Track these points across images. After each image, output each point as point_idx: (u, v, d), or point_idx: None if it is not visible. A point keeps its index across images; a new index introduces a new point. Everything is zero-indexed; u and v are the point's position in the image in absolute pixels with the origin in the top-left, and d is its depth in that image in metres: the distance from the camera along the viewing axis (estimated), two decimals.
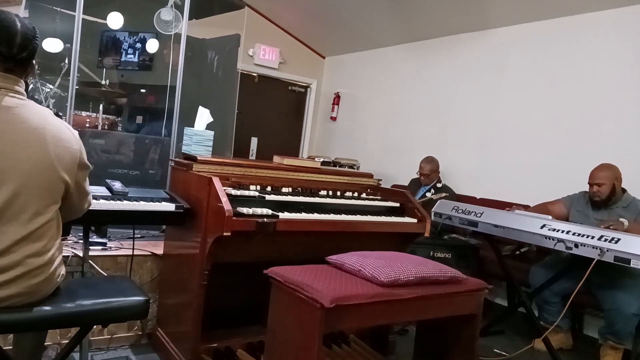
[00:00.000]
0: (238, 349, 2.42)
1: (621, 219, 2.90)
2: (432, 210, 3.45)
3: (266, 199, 2.34)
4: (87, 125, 4.05)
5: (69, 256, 2.49)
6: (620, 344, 2.98)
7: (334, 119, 6.61)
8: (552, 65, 4.19)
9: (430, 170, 4.47)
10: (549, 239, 2.77)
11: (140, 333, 2.69)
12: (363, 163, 5.50)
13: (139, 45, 4.75)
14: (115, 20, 4.17)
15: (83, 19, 3.27)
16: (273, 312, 1.95)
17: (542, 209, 3.34)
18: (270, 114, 6.65)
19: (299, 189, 2.62)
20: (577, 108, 3.98)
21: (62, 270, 1.60)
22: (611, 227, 2.79)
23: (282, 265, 1.99)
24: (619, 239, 2.51)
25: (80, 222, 1.88)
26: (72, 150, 1.53)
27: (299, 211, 2.38)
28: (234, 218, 2.07)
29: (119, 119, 4.46)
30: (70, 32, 3.27)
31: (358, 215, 2.56)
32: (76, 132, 1.59)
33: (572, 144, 3.97)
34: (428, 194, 4.36)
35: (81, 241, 2.36)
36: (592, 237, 2.59)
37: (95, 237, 2.66)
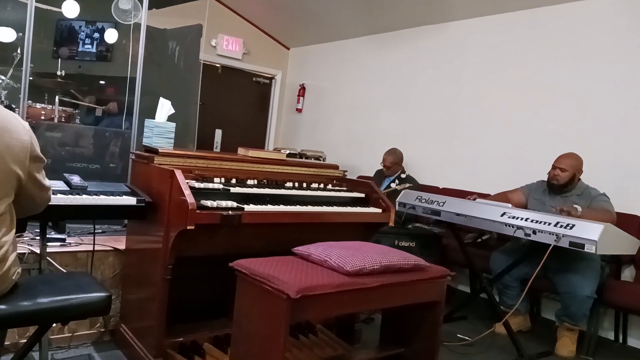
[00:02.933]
0: (204, 343, 2.40)
1: (575, 205, 3.01)
2: (397, 200, 3.50)
3: (231, 191, 2.32)
4: (43, 117, 3.90)
5: (25, 253, 2.41)
6: (576, 325, 3.11)
7: (299, 110, 6.60)
8: (511, 57, 4.30)
9: (392, 162, 4.52)
10: (509, 226, 2.86)
11: (102, 330, 2.63)
12: (329, 155, 5.53)
13: (96, 35, 4.60)
14: (70, 9, 4.01)
15: (36, 7, 3.15)
16: (239, 304, 1.94)
17: (502, 197, 3.44)
18: (234, 105, 6.58)
19: (265, 181, 2.61)
20: (536, 99, 4.11)
21: (18, 268, 1.55)
22: (565, 210, 2.90)
23: (248, 257, 1.98)
24: (573, 225, 2.61)
25: (37, 217, 1.81)
26: (22, 141, 1.47)
27: (265, 203, 2.37)
28: (198, 211, 2.04)
29: (76, 111, 4.32)
30: (23, 21, 3.15)
31: (324, 206, 2.57)
32: (26, 124, 1.52)
33: (531, 135, 4.10)
34: (392, 185, 4.42)
35: (38, 237, 2.28)
36: (549, 224, 2.69)
37: (53, 233, 2.59)
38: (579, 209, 2.97)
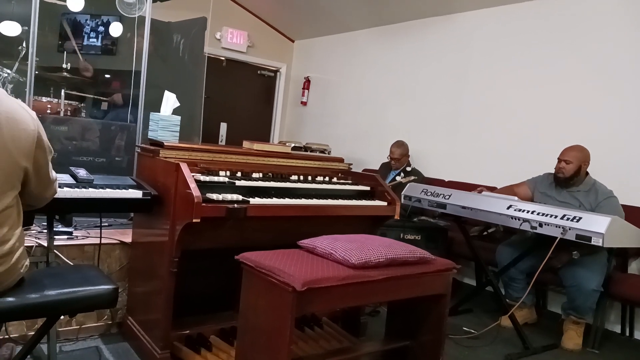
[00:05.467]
0: (211, 335, 2.42)
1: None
2: (402, 193, 3.49)
3: (236, 184, 2.32)
4: (49, 111, 3.91)
5: (32, 246, 2.42)
6: (582, 318, 3.11)
7: (304, 103, 6.58)
8: (518, 49, 4.26)
9: (400, 154, 4.51)
10: (515, 219, 2.85)
11: (110, 322, 2.65)
12: (334, 148, 5.51)
13: (101, 28, 4.60)
14: (75, 2, 3.99)
15: (41, 0, 3.14)
16: (245, 297, 1.95)
17: (508, 190, 3.42)
18: (239, 98, 6.57)
19: (270, 174, 2.61)
20: (542, 92, 4.07)
21: (26, 261, 1.56)
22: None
23: (254, 250, 1.99)
24: (580, 218, 2.60)
25: (44, 211, 1.82)
26: (29, 132, 1.45)
27: (270, 196, 2.37)
28: (203, 204, 2.05)
29: (82, 104, 4.32)
30: (28, 15, 3.14)
31: (329, 200, 2.57)
32: (34, 113, 1.51)
33: (537, 127, 4.07)
34: (398, 178, 4.41)
35: (45, 231, 2.29)
36: (555, 217, 2.68)
37: (60, 226, 2.60)
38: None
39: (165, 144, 2.38)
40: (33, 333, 2.15)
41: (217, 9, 5.25)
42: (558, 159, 3.24)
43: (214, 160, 2.46)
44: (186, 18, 4.68)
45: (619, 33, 3.64)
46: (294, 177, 2.66)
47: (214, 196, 2.13)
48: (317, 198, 2.54)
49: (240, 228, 2.36)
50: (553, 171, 3.31)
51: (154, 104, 3.02)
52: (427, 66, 5.01)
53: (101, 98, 4.50)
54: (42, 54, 3.48)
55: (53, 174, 1.65)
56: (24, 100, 3.15)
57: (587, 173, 3.24)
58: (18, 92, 3.73)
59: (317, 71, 6.47)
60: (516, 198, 3.05)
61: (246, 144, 2.82)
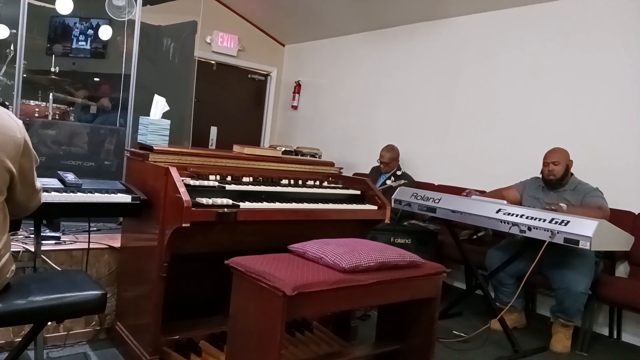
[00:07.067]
0: (200, 340, 2.40)
1: (561, 204, 3.05)
2: (392, 197, 3.50)
3: (226, 188, 2.31)
4: (37, 115, 3.87)
5: (19, 251, 2.39)
6: (570, 321, 3.13)
7: (295, 107, 6.59)
8: (507, 54, 4.30)
9: (390, 158, 4.53)
10: (504, 223, 2.86)
11: (98, 328, 2.62)
12: (325, 152, 5.51)
13: (90, 31, 4.57)
14: (64, 5, 3.97)
15: (29, 3, 3.12)
16: (235, 302, 1.94)
17: (497, 194, 3.45)
18: (230, 102, 6.56)
19: (260, 178, 2.60)
20: (531, 96, 4.11)
21: (12, 266, 1.54)
22: (552, 209, 2.94)
23: (244, 255, 1.98)
24: (568, 222, 2.62)
25: (31, 215, 1.80)
26: (16, 139, 1.46)
27: (261, 200, 2.37)
28: (193, 209, 2.04)
29: (71, 108, 4.29)
30: (16, 17, 3.12)
31: (320, 204, 2.57)
32: (20, 122, 1.51)
33: (526, 131, 4.10)
34: (388, 182, 4.43)
35: (32, 236, 2.27)
36: (544, 220, 2.70)
37: (47, 231, 2.57)
38: (564, 207, 3.00)
39: (154, 147, 2.36)
40: (20, 339, 2.13)
41: (208, 13, 5.25)
42: (545, 162, 3.29)
43: (204, 165, 2.45)
44: (176, 22, 4.68)
45: (608, 38, 3.68)
46: (285, 181, 2.66)
47: (204, 200, 2.12)
48: (307, 202, 2.54)
49: (231, 232, 2.35)
50: (541, 176, 3.35)
51: (144, 108, 3.01)
52: (417, 71, 5.04)
53: (89, 102, 4.47)
54: (30, 57, 3.45)
55: (38, 184, 1.64)
56: (11, 104, 3.13)
57: (571, 173, 3.29)
58: (5, 95, 3.69)
59: (308, 75, 6.48)
60: (505, 202, 3.08)
61: (236, 148, 2.81)
